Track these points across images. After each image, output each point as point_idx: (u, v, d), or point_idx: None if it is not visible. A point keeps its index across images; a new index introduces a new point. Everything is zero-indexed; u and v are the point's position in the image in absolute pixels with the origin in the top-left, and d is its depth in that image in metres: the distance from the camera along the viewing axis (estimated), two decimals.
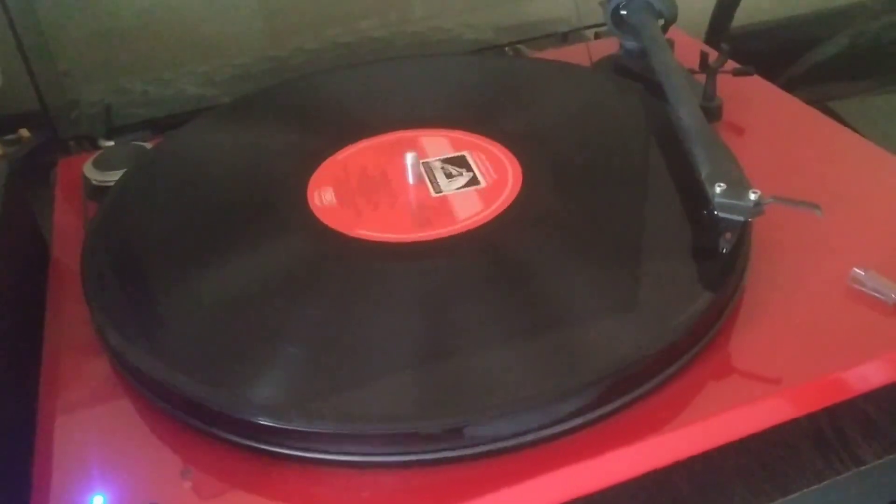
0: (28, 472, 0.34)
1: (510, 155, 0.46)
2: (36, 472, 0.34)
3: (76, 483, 0.33)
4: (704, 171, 0.40)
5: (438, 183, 0.44)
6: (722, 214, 0.38)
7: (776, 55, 0.72)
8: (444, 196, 0.43)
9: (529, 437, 0.32)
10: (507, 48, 0.70)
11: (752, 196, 0.37)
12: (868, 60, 0.77)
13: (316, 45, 0.70)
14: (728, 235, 0.38)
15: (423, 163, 0.46)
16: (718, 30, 0.75)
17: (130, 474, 0.33)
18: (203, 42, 0.68)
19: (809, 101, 0.55)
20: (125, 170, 0.49)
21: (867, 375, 0.36)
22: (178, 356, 0.35)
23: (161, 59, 0.67)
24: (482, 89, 0.55)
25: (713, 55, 0.52)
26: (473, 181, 0.44)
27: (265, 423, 0.32)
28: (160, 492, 0.32)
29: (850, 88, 0.75)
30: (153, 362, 0.35)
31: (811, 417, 0.36)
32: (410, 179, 0.45)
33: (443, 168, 0.45)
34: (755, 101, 0.55)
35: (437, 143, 0.48)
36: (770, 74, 0.58)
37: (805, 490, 0.33)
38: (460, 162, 0.46)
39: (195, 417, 0.34)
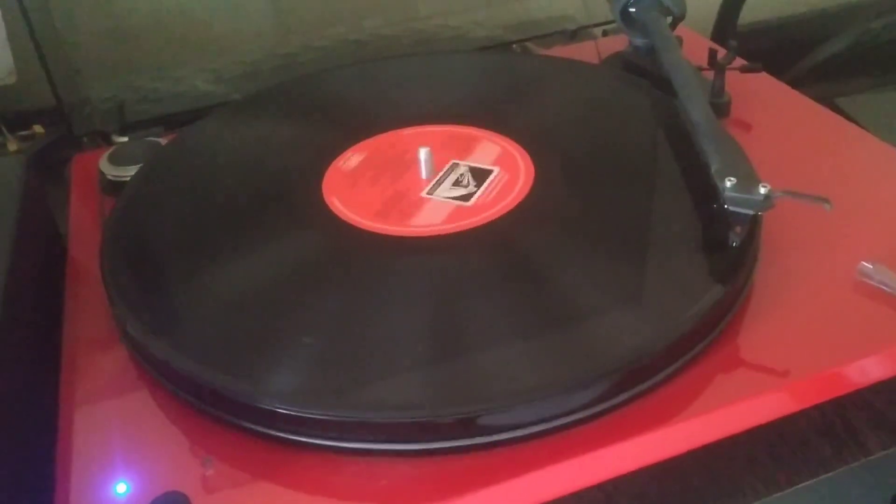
0: (51, 461, 0.35)
1: (522, 151, 0.47)
2: (59, 461, 0.35)
3: (99, 471, 0.34)
4: (714, 166, 0.40)
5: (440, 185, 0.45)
6: (732, 208, 0.38)
7: (782, 52, 0.73)
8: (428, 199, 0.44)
9: (543, 427, 0.33)
10: (514, 46, 0.71)
11: (762, 190, 0.37)
12: (874, 57, 0.77)
13: (324, 43, 0.71)
14: (738, 229, 0.38)
15: (453, 163, 0.46)
16: (725, 27, 0.75)
17: (152, 463, 0.34)
18: (213, 40, 0.69)
19: (816, 98, 0.55)
20: (140, 165, 0.50)
21: (874, 368, 0.36)
22: (196, 346, 0.36)
23: (172, 56, 0.68)
24: (492, 86, 0.55)
25: (721, 52, 0.53)
26: (466, 198, 0.43)
27: (284, 411, 0.33)
28: (182, 480, 0.33)
29: (856, 85, 0.75)
30: (173, 353, 0.36)
31: (819, 408, 0.36)
32: (424, 174, 0.45)
33: (460, 176, 0.45)
34: (763, 97, 0.55)
35: (453, 142, 0.49)
36: (776, 71, 0.58)
37: (814, 479, 0.34)
38: (481, 175, 0.45)
39: (214, 407, 0.35)
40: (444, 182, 0.45)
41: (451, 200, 0.43)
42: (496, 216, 0.42)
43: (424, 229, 0.41)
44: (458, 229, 0.41)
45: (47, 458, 0.35)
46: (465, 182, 0.44)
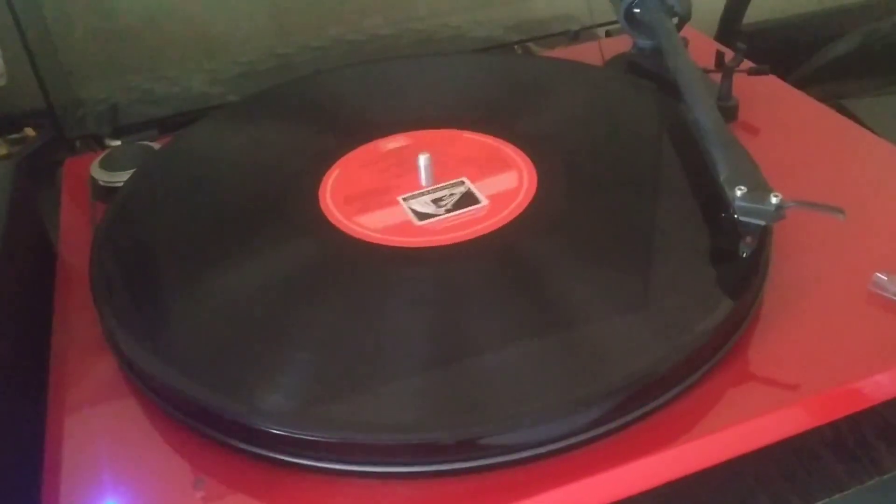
0: (37, 477, 0.34)
1: (524, 156, 0.46)
2: (45, 479, 0.34)
3: (86, 492, 0.32)
4: (723, 174, 0.39)
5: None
6: (743, 218, 0.37)
7: (787, 52, 0.72)
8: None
9: (548, 448, 0.32)
10: (516, 46, 0.70)
11: (774, 200, 0.36)
12: (880, 58, 0.76)
13: (322, 43, 0.70)
14: (748, 240, 0.37)
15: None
16: (729, 28, 0.74)
17: (141, 482, 0.33)
18: (209, 40, 0.68)
19: (821, 100, 0.54)
20: (132, 170, 0.49)
21: (889, 383, 0.35)
22: (189, 362, 0.35)
23: (167, 57, 0.67)
24: (494, 89, 0.54)
25: (728, 54, 0.52)
26: (422, 217, 0.42)
27: (278, 431, 0.32)
28: (172, 501, 0.31)
29: (862, 87, 0.74)
30: (164, 368, 0.35)
31: (832, 425, 0.35)
32: (423, 182, 0.44)
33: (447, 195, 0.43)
34: (771, 100, 0.54)
35: (452, 144, 0.48)
36: (781, 72, 0.57)
37: (828, 499, 0.33)
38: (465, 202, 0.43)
39: (207, 425, 0.34)
40: (428, 195, 0.43)
41: (410, 213, 0.42)
42: (501, 224, 0.41)
43: (361, 231, 0.41)
44: (459, 239, 0.40)
45: (33, 472, 0.34)
46: (444, 202, 0.42)
